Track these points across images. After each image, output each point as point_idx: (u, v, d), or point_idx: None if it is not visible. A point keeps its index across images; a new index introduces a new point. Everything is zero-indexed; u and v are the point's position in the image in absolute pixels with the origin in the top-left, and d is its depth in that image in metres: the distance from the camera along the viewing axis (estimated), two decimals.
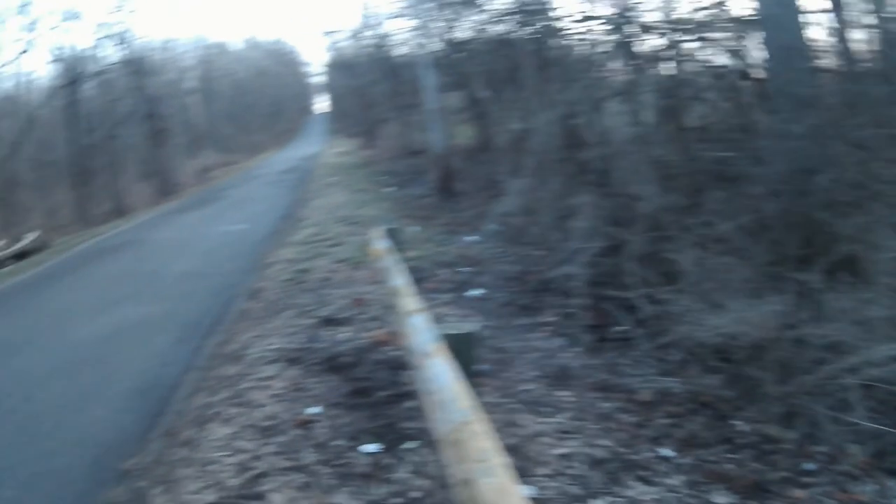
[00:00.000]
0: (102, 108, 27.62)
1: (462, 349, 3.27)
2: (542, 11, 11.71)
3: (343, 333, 5.81)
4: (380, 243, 5.82)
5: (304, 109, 76.56)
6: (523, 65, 11.44)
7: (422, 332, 3.39)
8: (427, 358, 3.13)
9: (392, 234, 5.97)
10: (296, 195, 18.56)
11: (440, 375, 2.91)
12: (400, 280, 4.34)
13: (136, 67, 28.24)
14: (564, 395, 4.63)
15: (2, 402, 5.57)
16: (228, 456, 3.92)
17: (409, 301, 3.91)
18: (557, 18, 11.46)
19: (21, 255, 16.01)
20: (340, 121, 47.57)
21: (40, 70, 45.23)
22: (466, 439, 2.11)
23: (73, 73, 25.50)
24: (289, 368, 5.15)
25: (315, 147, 40.33)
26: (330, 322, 6.17)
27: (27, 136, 24.42)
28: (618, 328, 5.77)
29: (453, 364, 2.91)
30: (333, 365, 5.11)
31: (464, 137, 17.03)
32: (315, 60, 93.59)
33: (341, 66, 37.49)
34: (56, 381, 5.93)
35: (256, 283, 8.56)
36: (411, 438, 3.97)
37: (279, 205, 16.98)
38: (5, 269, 14.58)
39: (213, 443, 4.11)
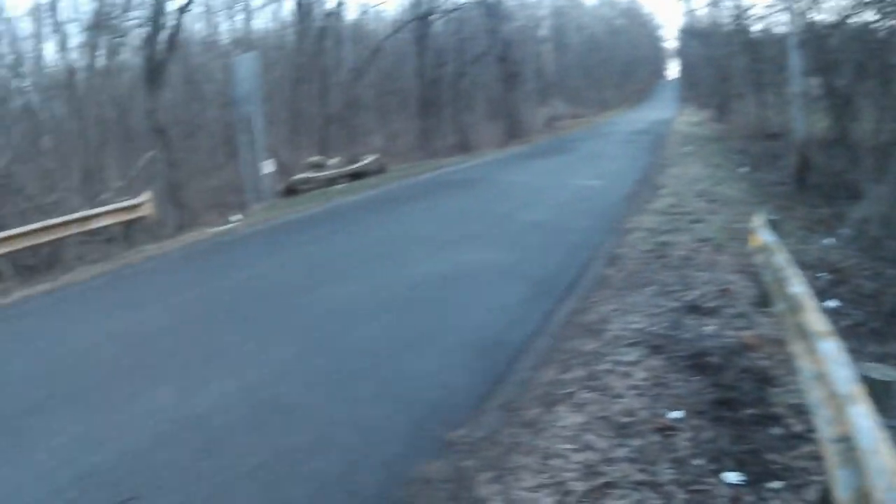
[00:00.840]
0: (453, 45, 28.45)
1: (881, 397, 2.65)
2: None
3: (709, 326, 5.14)
4: (763, 233, 5.02)
5: (655, 73, 75.26)
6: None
7: (836, 366, 2.69)
8: (842, 400, 2.47)
9: (773, 225, 5.12)
10: (650, 159, 17.68)
11: (860, 427, 2.27)
12: (798, 287, 3.59)
13: (491, 10, 28.85)
14: None
15: (318, 330, 5.50)
16: (576, 451, 3.54)
17: (814, 318, 3.18)
18: None
19: (356, 176, 16.98)
20: (691, 89, 45.26)
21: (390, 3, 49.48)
22: None
23: (425, 9, 26.57)
24: (651, 357, 4.63)
25: (665, 112, 38.90)
26: (695, 310, 5.52)
27: (372, 63, 25.71)
28: None
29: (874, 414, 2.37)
30: (699, 363, 4.49)
31: (818, 127, 14.86)
32: (669, 25, 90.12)
33: (696, 35, 35.34)
34: (381, 320, 5.64)
35: (615, 248, 7.98)
36: (777, 476, 3.26)
37: (634, 166, 16.21)
38: (337, 187, 15.70)
39: (560, 431, 3.75)
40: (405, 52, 28.03)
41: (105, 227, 10.86)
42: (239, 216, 12.54)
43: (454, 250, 7.87)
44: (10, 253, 9.52)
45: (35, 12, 18.57)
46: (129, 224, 11.04)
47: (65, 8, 27.98)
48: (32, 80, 17.79)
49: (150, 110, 15.54)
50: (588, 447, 3.59)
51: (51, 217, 10.31)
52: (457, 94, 28.49)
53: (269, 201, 14.12)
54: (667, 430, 3.71)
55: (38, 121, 16.92)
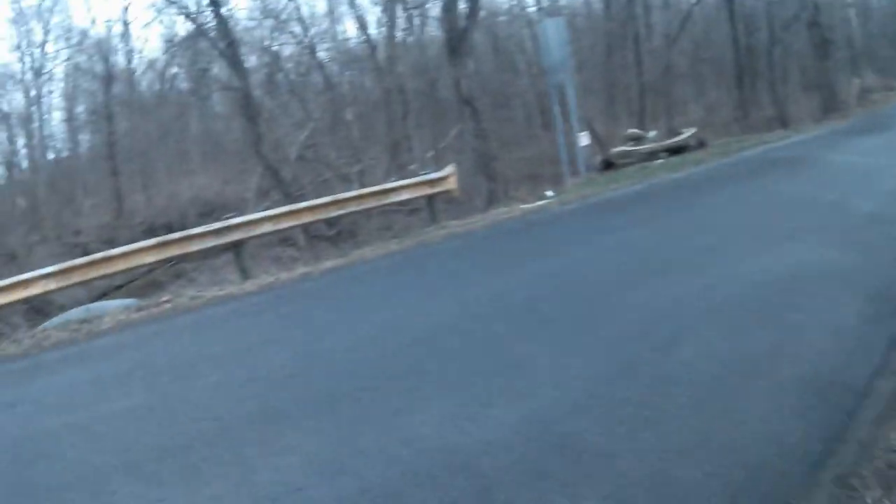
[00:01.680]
0: (762, 9, 25.25)
1: None
2: None
3: None
4: None
5: None
6: None
7: None
8: None
9: None
10: None
11: None
12: None
13: None
14: None
15: (630, 344, 4.12)
16: None
17: None
18: None
19: (675, 150, 15.17)
20: None
21: None
22: None
23: None
24: None
25: None
26: None
27: (683, 30, 23.69)
28: None
29: None
30: None
31: None
32: None
33: None
34: (707, 335, 4.30)
35: None
36: None
37: None
38: (657, 162, 13.92)
39: None
40: (715, 18, 25.82)
41: (408, 201, 10.30)
42: (552, 192, 11.12)
43: (787, 246, 6.39)
44: (306, 224, 9.10)
45: None
46: (432, 198, 10.17)
47: None
48: (332, 54, 18.27)
49: (455, 80, 14.82)
50: None
51: (354, 187, 9.78)
52: (771, 64, 25.21)
53: (584, 176, 12.78)
54: None
55: (339, 94, 17.32)
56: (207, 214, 16.69)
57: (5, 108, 18.50)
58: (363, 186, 12.58)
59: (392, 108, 15.45)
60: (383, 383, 3.96)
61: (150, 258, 8.39)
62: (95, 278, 8.32)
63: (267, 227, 8.90)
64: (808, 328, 4.38)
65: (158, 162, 20.68)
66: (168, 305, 7.15)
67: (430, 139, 14.81)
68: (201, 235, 8.47)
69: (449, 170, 10.26)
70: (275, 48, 18.16)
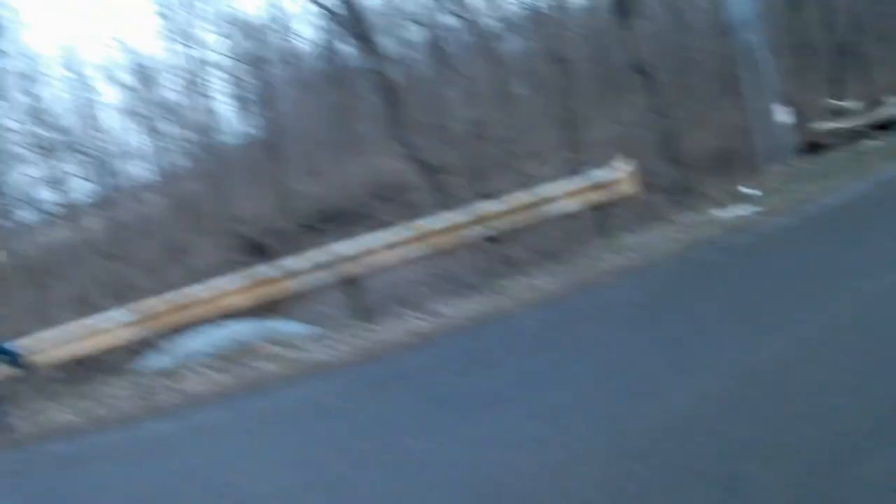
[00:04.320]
0: None
1: None
2: None
3: None
4: None
5: None
6: None
7: None
8: None
9: None
10: None
11: None
12: None
13: None
14: None
15: None
16: None
17: None
18: None
19: (883, 126, 12.16)
20: None
21: None
22: None
23: None
24: None
25: None
26: None
27: None
28: None
29: None
30: None
31: None
32: None
33: None
34: None
35: None
36: None
37: None
38: (870, 144, 11.11)
39: None
40: None
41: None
42: (751, 189, 9.23)
43: None
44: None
45: None
46: (601, 207, 8.44)
47: None
48: (495, 22, 16.90)
49: (626, 46, 12.96)
50: None
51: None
52: None
53: (786, 163, 10.47)
54: None
55: (506, 66, 16.06)
56: (388, 199, 16.24)
57: (166, 97, 19.03)
58: (528, 176, 11.43)
59: (560, 81, 13.95)
60: None
61: None
62: None
63: (389, 258, 7.86)
64: None
65: (331, 143, 20.54)
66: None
67: (604, 116, 13.23)
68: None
69: (624, 167, 8.36)
70: (434, 20, 17.28)
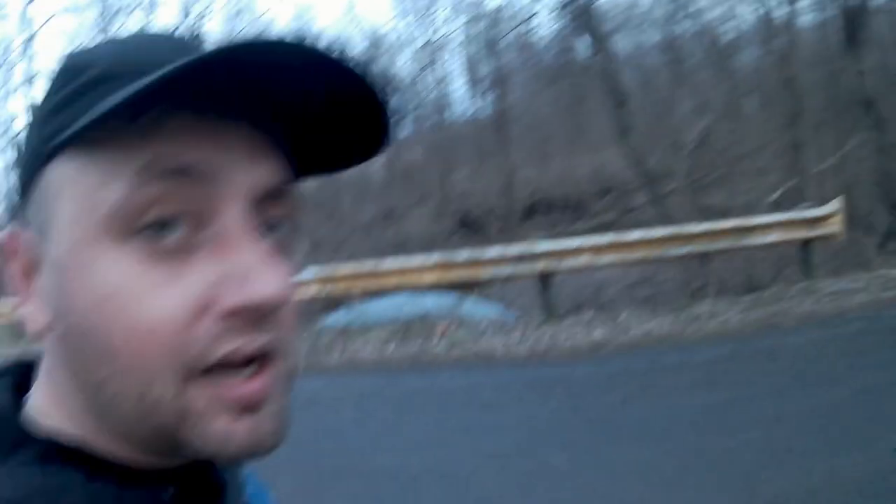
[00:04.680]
0: None
1: None
2: None
3: None
4: None
5: None
6: None
7: None
8: None
9: None
10: None
11: None
12: None
13: None
14: None
15: None
16: None
17: None
18: None
19: None
20: None
21: None
22: None
23: None
24: None
25: None
26: None
27: None
28: None
29: None
30: None
31: None
32: None
33: None
34: None
35: None
36: None
37: None
38: None
39: None
40: None
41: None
42: None
43: None
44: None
45: None
46: (806, 244, 8.43)
47: None
48: (730, 36, 16.97)
49: (853, 75, 12.41)
50: None
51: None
52: None
53: None
54: None
55: (736, 80, 16.11)
56: (604, 193, 17.04)
57: (398, 72, 20.41)
58: (744, 196, 11.82)
59: (788, 103, 14.10)
60: None
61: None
62: None
63: (582, 261, 7.86)
64: None
65: (556, 135, 21.26)
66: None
67: (828, 146, 13.19)
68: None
69: (834, 205, 8.39)
70: (671, 30, 17.78)
